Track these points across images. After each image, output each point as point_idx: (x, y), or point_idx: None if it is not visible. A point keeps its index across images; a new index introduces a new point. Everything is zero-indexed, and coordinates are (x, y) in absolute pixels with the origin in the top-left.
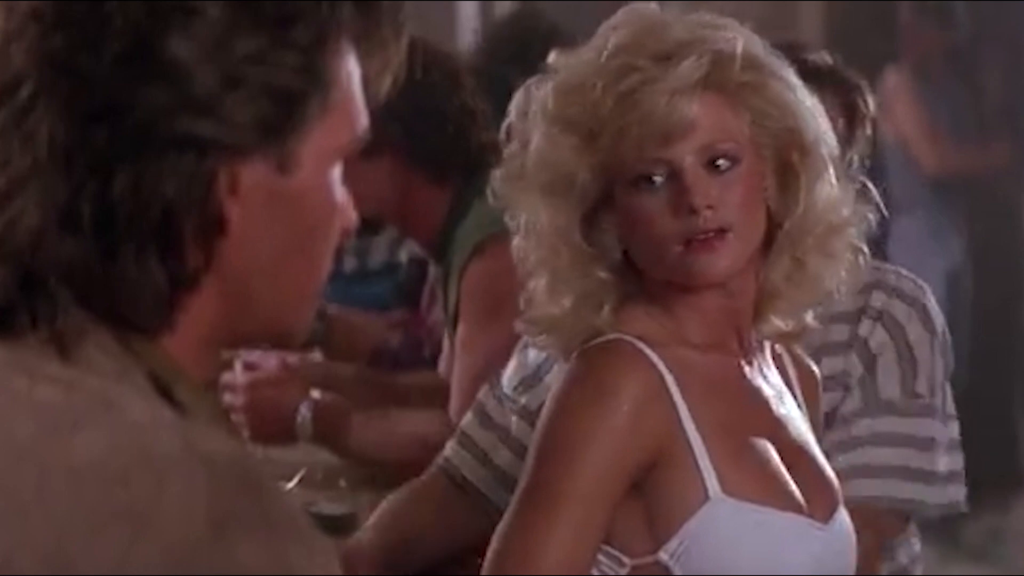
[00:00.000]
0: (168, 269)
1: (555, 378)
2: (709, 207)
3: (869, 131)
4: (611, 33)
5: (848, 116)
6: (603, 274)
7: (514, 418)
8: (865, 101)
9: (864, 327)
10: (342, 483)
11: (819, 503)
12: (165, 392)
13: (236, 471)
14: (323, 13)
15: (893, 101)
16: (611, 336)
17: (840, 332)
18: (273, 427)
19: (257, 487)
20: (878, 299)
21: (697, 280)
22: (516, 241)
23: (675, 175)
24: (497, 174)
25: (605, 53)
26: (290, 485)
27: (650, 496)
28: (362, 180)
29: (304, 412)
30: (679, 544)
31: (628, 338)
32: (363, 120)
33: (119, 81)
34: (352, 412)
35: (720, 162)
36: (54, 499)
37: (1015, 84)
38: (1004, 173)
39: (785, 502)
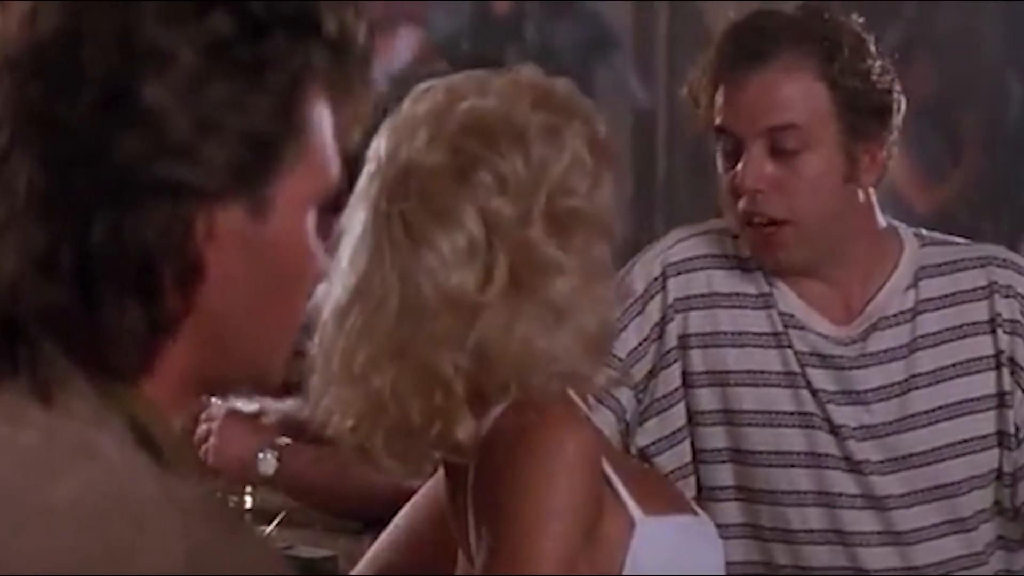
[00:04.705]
0: (147, 314)
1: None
2: None
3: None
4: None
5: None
6: None
7: None
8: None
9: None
10: (320, 526)
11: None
12: (144, 437)
13: (212, 515)
14: (297, 59)
15: None
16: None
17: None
18: (233, 458)
19: (233, 530)
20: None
21: None
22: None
23: None
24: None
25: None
26: (268, 529)
27: (592, 543)
28: None
29: (269, 453)
30: None
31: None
32: (335, 168)
33: (96, 128)
34: (321, 460)
35: None
36: (35, 541)
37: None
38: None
39: (682, 505)
